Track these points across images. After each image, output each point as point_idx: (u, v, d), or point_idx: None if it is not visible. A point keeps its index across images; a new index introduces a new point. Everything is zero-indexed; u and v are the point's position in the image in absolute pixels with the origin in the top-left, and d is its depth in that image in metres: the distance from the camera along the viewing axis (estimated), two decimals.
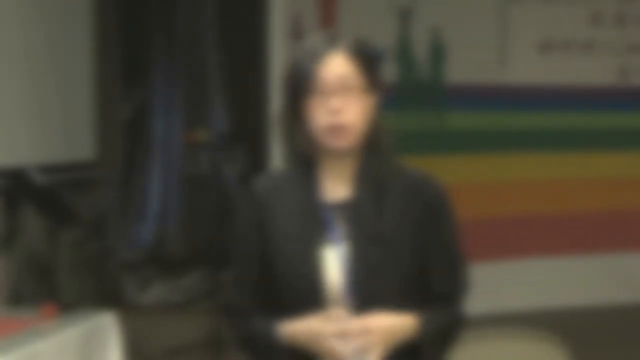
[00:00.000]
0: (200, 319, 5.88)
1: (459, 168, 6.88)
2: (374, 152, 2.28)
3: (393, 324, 2.22)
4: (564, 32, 7.21)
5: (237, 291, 2.33)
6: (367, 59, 2.25)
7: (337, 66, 2.21)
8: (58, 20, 5.52)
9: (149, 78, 6.64)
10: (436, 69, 6.96)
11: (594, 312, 6.86)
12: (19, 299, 4.40)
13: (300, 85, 2.21)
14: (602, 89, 7.32)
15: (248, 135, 6.50)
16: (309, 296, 2.21)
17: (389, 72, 6.80)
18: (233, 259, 2.35)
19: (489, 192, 7.05)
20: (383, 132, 2.29)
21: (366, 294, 2.21)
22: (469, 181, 6.92)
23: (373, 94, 2.26)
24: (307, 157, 2.28)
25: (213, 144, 6.57)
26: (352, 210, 2.24)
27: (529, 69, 7.16)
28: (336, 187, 2.27)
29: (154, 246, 6.60)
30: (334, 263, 2.21)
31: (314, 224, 2.24)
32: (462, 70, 6.92)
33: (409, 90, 6.86)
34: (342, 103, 2.19)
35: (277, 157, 5.93)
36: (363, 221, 2.23)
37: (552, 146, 7.23)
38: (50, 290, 4.45)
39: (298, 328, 2.22)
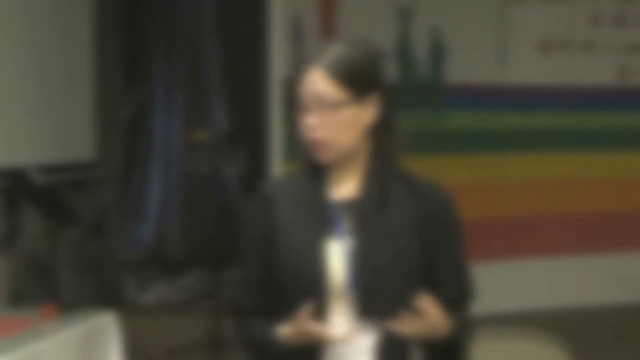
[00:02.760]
0: (200, 319, 5.88)
1: (458, 168, 6.87)
2: (381, 153, 2.31)
3: (443, 318, 2.21)
4: (564, 32, 7.21)
5: (242, 291, 2.36)
6: (351, 72, 2.25)
7: (313, 83, 2.24)
8: (58, 20, 5.52)
9: (149, 78, 6.65)
10: (436, 69, 6.96)
11: (594, 312, 6.86)
12: (19, 299, 4.40)
13: (290, 98, 2.28)
14: (602, 89, 7.32)
15: (248, 135, 6.50)
16: (311, 290, 2.23)
17: (389, 72, 6.80)
18: (240, 260, 2.38)
19: (489, 192, 7.04)
20: (392, 134, 2.33)
21: (368, 289, 2.23)
22: (469, 181, 6.91)
23: (366, 101, 2.27)
24: (312, 160, 2.31)
25: (213, 144, 6.58)
26: (357, 206, 2.28)
27: (529, 69, 7.16)
28: (343, 187, 2.31)
29: (153, 246, 6.61)
30: (337, 257, 2.24)
31: (320, 219, 2.27)
32: (462, 70, 6.92)
33: (409, 90, 6.86)
34: (317, 119, 2.24)
35: (277, 157, 5.93)
36: (367, 217, 2.26)
37: (552, 146, 7.22)
38: (50, 290, 4.45)
39: (287, 331, 2.25)
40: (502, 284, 6.87)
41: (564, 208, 7.26)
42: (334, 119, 2.24)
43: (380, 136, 2.31)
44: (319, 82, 2.24)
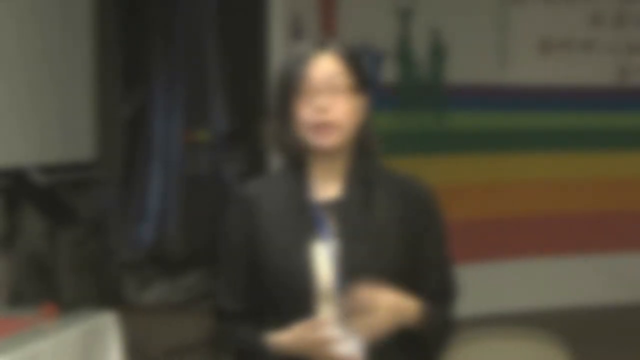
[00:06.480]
0: (200, 319, 5.88)
1: (459, 168, 6.88)
2: (363, 153, 2.30)
3: (400, 302, 2.21)
4: (564, 32, 7.22)
5: (227, 297, 2.34)
6: (356, 61, 2.28)
7: (325, 66, 2.25)
8: (58, 20, 5.52)
9: (149, 78, 6.64)
10: (436, 69, 6.97)
11: (594, 312, 6.87)
12: (19, 299, 4.40)
13: (289, 86, 2.25)
14: (602, 89, 7.33)
15: (248, 135, 6.50)
16: (299, 293, 2.22)
17: (389, 72, 6.81)
18: (222, 264, 2.36)
19: (489, 192, 7.05)
20: (373, 134, 2.32)
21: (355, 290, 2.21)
22: (469, 181, 6.92)
23: (362, 95, 2.29)
24: (297, 158, 2.30)
25: (213, 144, 6.58)
26: (341, 208, 2.27)
27: (529, 69, 7.17)
28: (326, 187, 2.30)
29: (154, 246, 6.60)
30: (324, 259, 2.23)
31: (304, 221, 2.26)
32: (462, 70, 6.93)
33: (409, 90, 6.87)
34: (329, 101, 2.23)
35: (276, 157, 5.93)
36: (352, 218, 2.25)
37: (552, 146, 7.24)
38: (50, 290, 4.45)
39: (286, 339, 2.23)
40: (502, 284, 6.88)
41: (563, 208, 7.27)
42: (344, 103, 2.24)
43: (363, 135, 2.30)
44: (331, 66, 2.25)
